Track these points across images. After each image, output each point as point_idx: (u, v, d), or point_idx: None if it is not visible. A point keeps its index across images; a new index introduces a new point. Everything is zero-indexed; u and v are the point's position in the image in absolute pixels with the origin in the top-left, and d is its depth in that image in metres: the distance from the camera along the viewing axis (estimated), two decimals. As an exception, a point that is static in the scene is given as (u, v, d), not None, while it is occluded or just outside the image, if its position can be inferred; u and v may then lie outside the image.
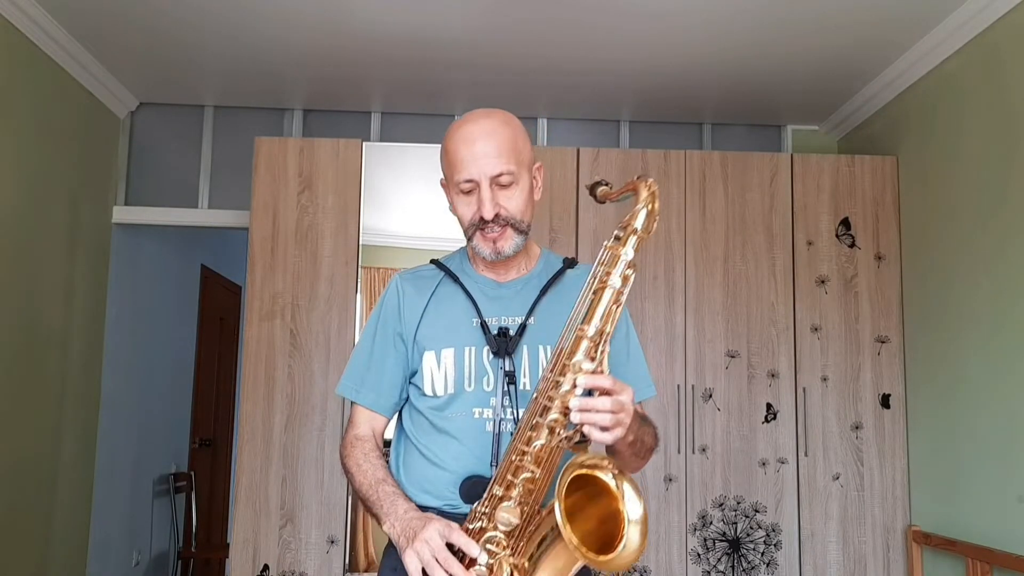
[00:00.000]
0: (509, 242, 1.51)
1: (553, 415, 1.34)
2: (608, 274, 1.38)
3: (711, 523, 3.42)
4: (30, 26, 3.28)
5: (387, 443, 1.66)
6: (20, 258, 3.33)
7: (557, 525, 1.23)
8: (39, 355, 3.50)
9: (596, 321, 1.36)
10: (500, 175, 1.47)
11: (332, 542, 3.33)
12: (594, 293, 1.38)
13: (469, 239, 1.54)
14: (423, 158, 3.55)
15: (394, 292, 1.60)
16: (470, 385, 1.51)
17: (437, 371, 1.52)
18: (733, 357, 3.50)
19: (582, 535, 1.29)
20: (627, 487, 1.33)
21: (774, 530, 3.43)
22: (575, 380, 1.33)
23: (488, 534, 1.35)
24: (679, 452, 3.44)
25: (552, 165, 3.51)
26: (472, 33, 3.37)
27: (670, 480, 3.44)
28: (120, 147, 4.18)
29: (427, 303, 1.57)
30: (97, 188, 3.99)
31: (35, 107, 3.42)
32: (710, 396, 3.48)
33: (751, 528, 3.42)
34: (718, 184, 3.59)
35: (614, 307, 1.37)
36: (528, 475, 1.35)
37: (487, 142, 1.47)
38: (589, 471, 1.32)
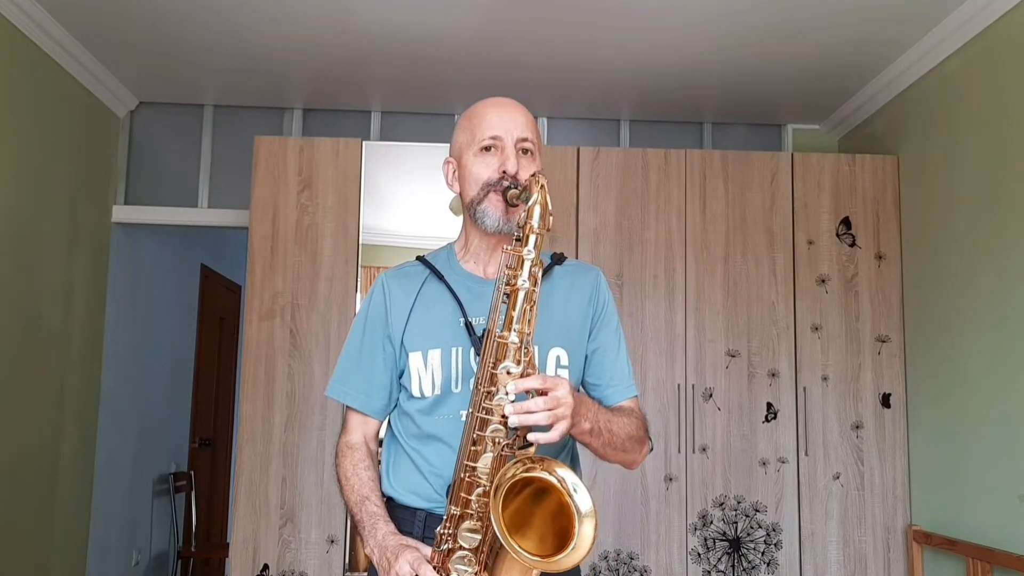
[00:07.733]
0: (516, 215, 1.49)
1: (493, 426, 1.35)
2: (516, 276, 1.38)
3: (711, 523, 3.42)
4: (30, 26, 3.27)
5: (381, 442, 1.65)
6: (20, 257, 3.33)
7: (500, 540, 1.24)
8: (39, 355, 3.50)
9: (515, 324, 1.36)
10: (525, 139, 1.53)
11: (332, 542, 3.33)
12: (507, 296, 1.38)
13: (477, 204, 1.52)
14: (423, 157, 3.55)
15: (380, 292, 1.59)
16: (457, 387, 1.50)
17: (424, 372, 1.51)
18: (733, 356, 3.50)
19: (538, 537, 1.29)
20: (570, 479, 1.32)
21: (774, 530, 3.43)
22: (506, 387, 1.33)
23: (456, 554, 1.36)
24: (679, 452, 3.44)
25: (552, 164, 3.51)
26: (472, 32, 3.37)
27: (670, 480, 3.43)
28: (120, 146, 4.18)
29: (413, 302, 1.55)
30: (97, 187, 3.99)
31: (35, 107, 3.42)
32: (710, 396, 3.48)
33: (751, 528, 3.42)
34: (718, 183, 3.59)
35: (527, 307, 1.37)
36: (481, 490, 1.35)
37: (518, 111, 1.56)
38: (525, 476, 1.32)
